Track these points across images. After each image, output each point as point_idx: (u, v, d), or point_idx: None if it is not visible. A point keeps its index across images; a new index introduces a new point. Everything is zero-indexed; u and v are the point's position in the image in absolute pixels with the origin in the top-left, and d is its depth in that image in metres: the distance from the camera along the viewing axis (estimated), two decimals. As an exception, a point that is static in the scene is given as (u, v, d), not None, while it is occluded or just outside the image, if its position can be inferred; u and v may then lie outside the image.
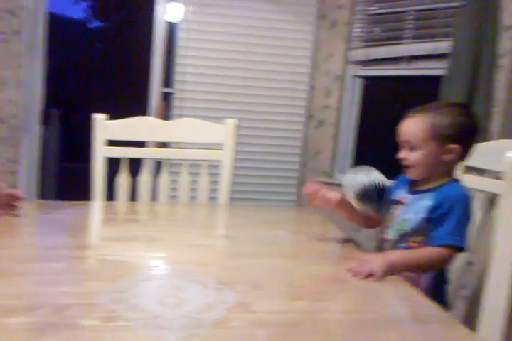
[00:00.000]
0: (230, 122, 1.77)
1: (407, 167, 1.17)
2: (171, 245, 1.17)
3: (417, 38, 2.64)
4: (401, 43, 2.71)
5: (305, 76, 2.99)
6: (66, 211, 1.48)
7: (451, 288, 1.30)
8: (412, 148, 1.14)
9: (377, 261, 1.00)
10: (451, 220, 1.07)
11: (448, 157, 1.12)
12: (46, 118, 2.98)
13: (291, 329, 0.72)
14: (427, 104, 1.17)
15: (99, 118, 1.72)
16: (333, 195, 1.21)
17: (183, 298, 0.79)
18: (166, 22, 2.85)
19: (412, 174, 1.17)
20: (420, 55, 2.62)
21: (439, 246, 1.06)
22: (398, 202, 1.21)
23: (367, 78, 2.94)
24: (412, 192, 1.19)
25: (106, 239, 1.24)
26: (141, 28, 3.85)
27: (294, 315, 0.77)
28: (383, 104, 2.98)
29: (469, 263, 1.35)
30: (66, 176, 5.40)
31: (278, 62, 2.95)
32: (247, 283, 0.90)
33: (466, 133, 1.13)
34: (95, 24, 9.12)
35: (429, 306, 0.85)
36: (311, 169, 3.05)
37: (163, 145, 2.45)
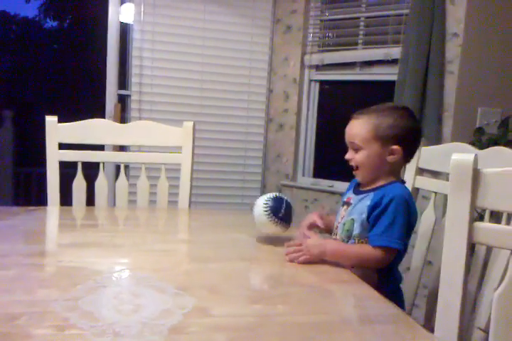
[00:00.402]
0: (188, 125, 1.76)
1: (355, 168, 1.20)
2: (129, 250, 1.15)
3: (370, 43, 2.70)
4: (355, 49, 2.76)
5: (263, 79, 3.02)
6: (21, 217, 1.43)
7: (413, 288, 1.34)
8: (357, 149, 1.17)
9: (312, 248, 1.07)
10: (384, 221, 1.09)
11: (391, 158, 1.16)
12: (-2, 121, 2.88)
13: (249, 333, 0.72)
14: (370, 107, 1.20)
15: (50, 121, 1.67)
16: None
17: (139, 304, 0.78)
18: (121, 23, 2.79)
19: (359, 177, 1.21)
20: (373, 61, 2.68)
21: (373, 246, 1.09)
22: (346, 204, 1.24)
23: (323, 82, 2.99)
24: (357, 192, 1.22)
25: (62, 245, 1.21)
26: (96, 28, 3.78)
27: (252, 318, 0.78)
28: (341, 108, 3.03)
29: (429, 263, 1.39)
30: (22, 181, 5.22)
31: (236, 66, 2.96)
32: (206, 287, 0.90)
33: (408, 134, 1.17)
34: (50, 24, 8.89)
35: (386, 307, 0.86)
36: (273, 172, 3.07)
37: (122, 148, 2.41)
